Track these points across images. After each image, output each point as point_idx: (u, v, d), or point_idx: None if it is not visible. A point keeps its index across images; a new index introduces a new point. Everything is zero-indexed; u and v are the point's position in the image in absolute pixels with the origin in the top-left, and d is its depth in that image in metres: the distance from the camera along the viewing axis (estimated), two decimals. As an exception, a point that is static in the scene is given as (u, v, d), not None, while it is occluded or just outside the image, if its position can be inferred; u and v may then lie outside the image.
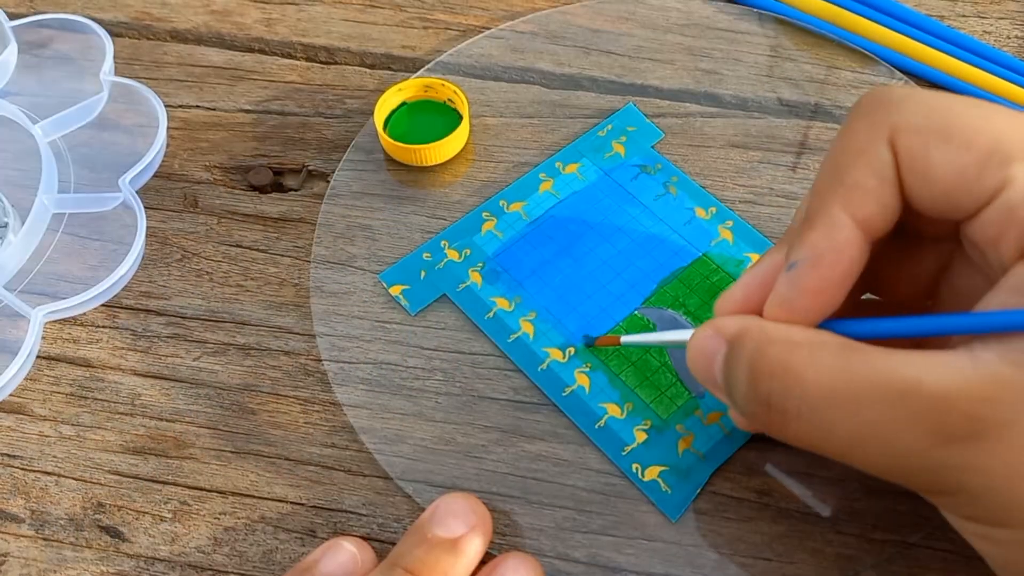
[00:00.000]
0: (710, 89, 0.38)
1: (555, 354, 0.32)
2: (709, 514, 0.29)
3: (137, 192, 0.36)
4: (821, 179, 0.25)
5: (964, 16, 0.40)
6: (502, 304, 0.33)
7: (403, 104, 0.37)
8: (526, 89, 0.38)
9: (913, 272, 0.28)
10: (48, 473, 0.31)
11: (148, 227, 0.36)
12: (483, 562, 0.28)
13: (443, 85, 0.37)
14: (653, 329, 0.32)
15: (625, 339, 0.31)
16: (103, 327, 0.34)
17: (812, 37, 0.39)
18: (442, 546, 0.27)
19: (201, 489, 0.31)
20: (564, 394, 0.31)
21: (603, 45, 0.39)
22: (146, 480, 0.31)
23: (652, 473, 0.30)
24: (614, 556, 0.29)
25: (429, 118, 0.37)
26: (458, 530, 0.28)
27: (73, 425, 0.32)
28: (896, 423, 0.22)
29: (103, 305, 0.34)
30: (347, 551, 0.28)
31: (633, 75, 0.38)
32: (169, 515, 0.30)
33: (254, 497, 0.30)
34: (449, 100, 0.37)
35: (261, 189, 0.37)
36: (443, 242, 0.34)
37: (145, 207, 0.35)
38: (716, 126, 0.37)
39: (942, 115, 0.24)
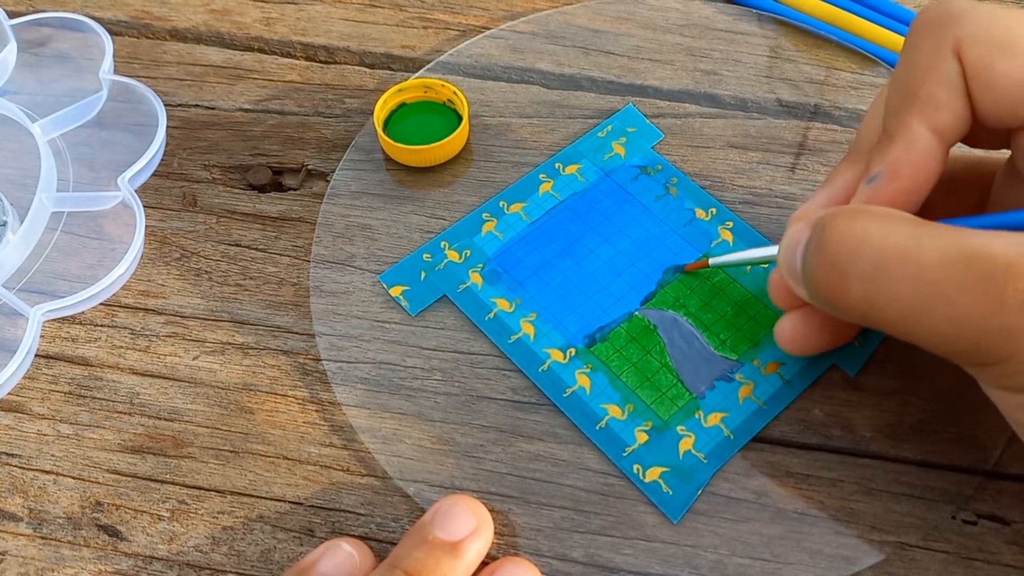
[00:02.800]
0: (709, 90, 0.38)
1: (556, 355, 0.32)
2: (707, 514, 0.29)
3: (136, 191, 0.36)
4: (893, 97, 0.27)
5: (963, 17, 0.40)
6: (502, 305, 0.33)
7: (403, 105, 0.37)
8: (525, 89, 0.38)
9: (960, 192, 0.29)
10: (46, 472, 0.31)
11: (147, 226, 0.36)
12: (484, 563, 0.28)
13: (443, 86, 0.37)
14: (654, 330, 0.32)
15: (713, 260, 0.32)
16: (102, 326, 0.34)
17: (812, 38, 0.39)
18: (442, 548, 0.27)
19: (199, 488, 0.31)
20: (565, 395, 0.31)
21: (603, 45, 0.39)
22: (144, 479, 0.31)
23: (653, 474, 0.30)
24: (612, 556, 0.29)
25: (429, 119, 0.37)
26: (459, 533, 0.28)
27: (71, 424, 0.32)
28: (962, 285, 0.23)
29: (102, 304, 0.34)
30: (345, 552, 0.28)
31: (632, 75, 0.38)
32: (167, 514, 0.30)
33: (252, 496, 0.30)
34: (449, 101, 0.37)
35: (260, 188, 0.37)
36: (443, 243, 0.34)
37: (144, 206, 0.35)
38: (715, 127, 0.37)
39: (1004, 27, 0.25)
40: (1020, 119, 0.25)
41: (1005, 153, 0.28)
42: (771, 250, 0.30)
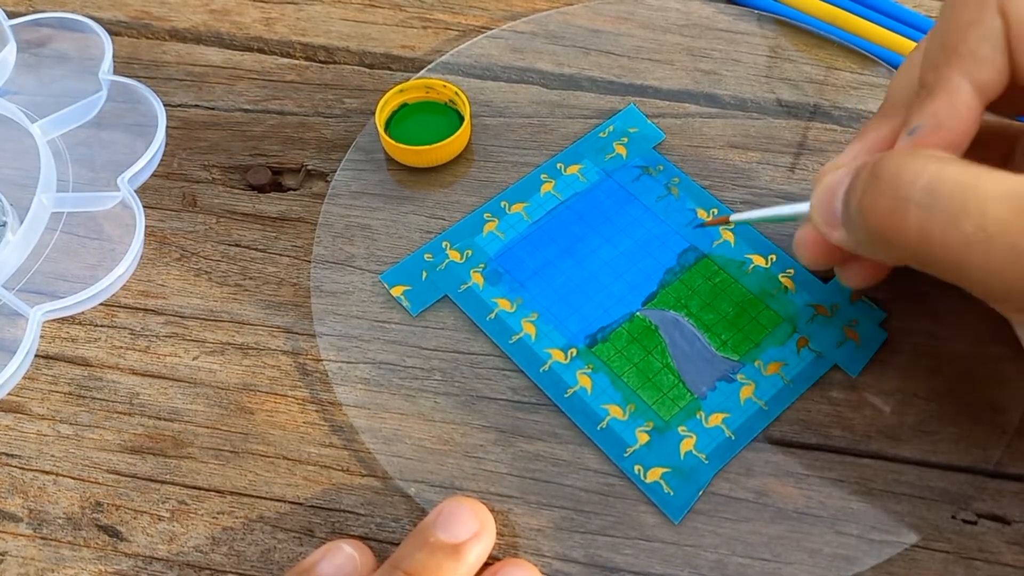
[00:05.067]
0: (709, 90, 0.38)
1: (557, 355, 0.32)
2: (708, 514, 0.29)
3: (136, 191, 0.36)
4: (933, 52, 0.27)
5: (963, 17, 0.40)
6: (504, 305, 0.33)
7: (404, 105, 0.37)
8: (525, 89, 0.38)
9: (982, 158, 0.29)
10: (46, 472, 0.31)
11: (147, 226, 0.36)
12: (486, 565, 0.28)
13: (444, 86, 0.37)
14: (656, 330, 0.32)
15: (735, 216, 0.31)
16: (101, 326, 0.34)
17: (811, 38, 0.39)
18: (444, 550, 0.27)
19: (199, 488, 0.31)
20: (566, 395, 0.31)
21: (602, 45, 0.39)
22: (144, 479, 0.31)
23: (654, 475, 0.30)
24: (612, 556, 0.29)
25: (430, 119, 0.37)
26: (461, 535, 0.27)
27: (71, 424, 0.32)
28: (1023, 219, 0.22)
29: (101, 304, 0.34)
30: (346, 553, 0.28)
31: (632, 75, 0.38)
32: (167, 514, 0.30)
33: (252, 497, 0.30)
34: (450, 101, 0.37)
35: (260, 188, 0.36)
36: (444, 243, 0.34)
37: (144, 206, 0.35)
38: (715, 127, 0.37)
39: None
40: None
41: None
42: (799, 206, 0.29)
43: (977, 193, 0.23)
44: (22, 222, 0.34)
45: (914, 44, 0.38)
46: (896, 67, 0.38)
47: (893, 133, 0.28)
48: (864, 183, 0.25)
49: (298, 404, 0.32)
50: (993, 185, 0.23)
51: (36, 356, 0.33)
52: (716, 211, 0.35)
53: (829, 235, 0.27)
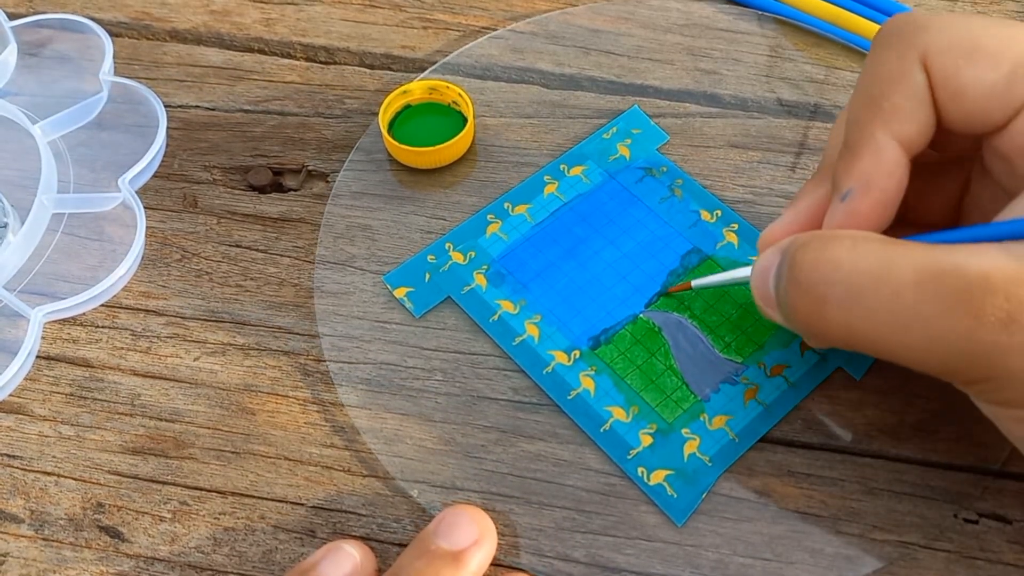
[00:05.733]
0: (710, 89, 0.38)
1: (560, 357, 0.32)
2: (709, 514, 0.29)
3: (136, 192, 0.36)
4: (856, 110, 0.26)
5: (964, 17, 0.40)
6: (507, 307, 0.33)
7: (407, 106, 0.37)
8: (525, 89, 0.38)
9: (936, 195, 0.29)
10: (48, 473, 0.31)
11: (147, 227, 0.36)
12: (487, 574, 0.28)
13: (448, 88, 0.37)
14: (659, 332, 0.32)
15: (696, 283, 0.32)
16: (103, 327, 0.34)
17: (812, 37, 0.39)
18: (444, 558, 0.27)
19: (201, 489, 0.31)
20: (569, 397, 0.31)
21: (603, 45, 0.39)
22: (146, 480, 0.31)
23: (658, 477, 0.30)
24: (614, 556, 0.29)
25: (433, 120, 0.37)
26: (462, 542, 0.27)
27: (73, 425, 0.32)
28: (938, 304, 0.22)
29: (103, 305, 0.34)
30: (347, 554, 0.28)
31: (633, 75, 0.38)
32: (169, 515, 0.30)
33: (254, 497, 0.30)
34: (454, 103, 0.37)
35: (260, 189, 0.36)
36: (448, 244, 0.34)
37: (144, 207, 0.35)
38: (716, 126, 0.37)
39: (969, 35, 0.25)
40: (989, 124, 0.25)
41: None
42: (749, 271, 0.29)
43: (890, 283, 0.23)
44: (23, 223, 0.34)
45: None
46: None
47: (826, 198, 0.27)
48: (786, 280, 0.25)
49: (299, 405, 0.32)
50: (907, 271, 0.23)
51: (37, 357, 0.33)
52: (720, 212, 0.35)
53: (770, 315, 0.27)
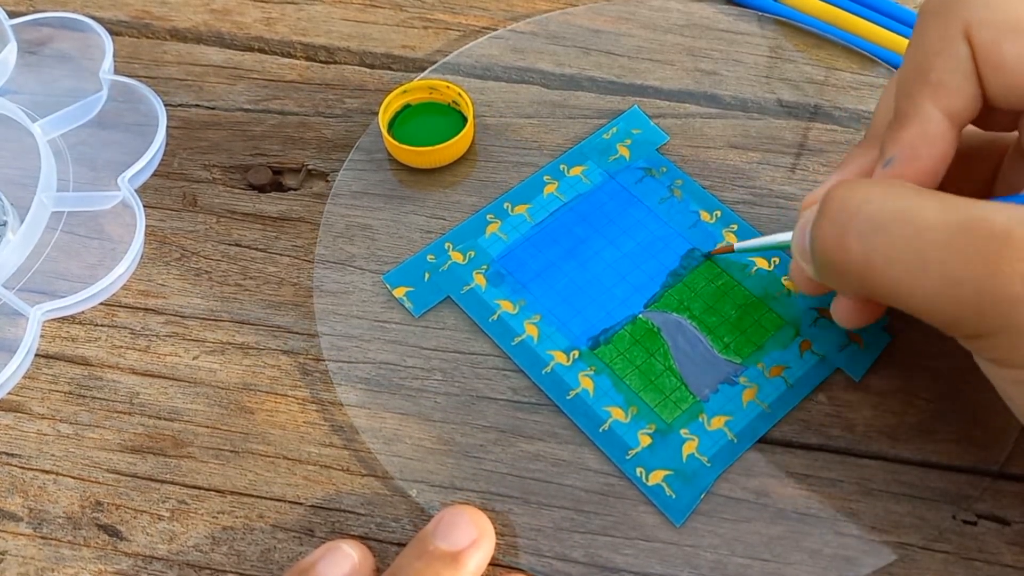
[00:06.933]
0: (710, 90, 0.38)
1: (559, 357, 0.32)
2: (708, 514, 0.29)
3: (136, 191, 0.36)
4: (905, 79, 0.27)
5: (964, 18, 0.40)
6: (506, 307, 0.33)
7: (407, 106, 0.37)
8: (526, 89, 0.38)
9: (971, 170, 0.29)
10: (46, 472, 0.31)
11: (147, 226, 0.36)
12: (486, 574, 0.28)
13: (448, 87, 0.37)
14: (658, 332, 0.32)
15: (739, 245, 0.32)
16: (102, 326, 0.34)
17: (812, 38, 0.39)
18: (442, 559, 0.27)
19: (199, 488, 0.31)
20: (568, 397, 0.31)
21: (603, 45, 0.39)
22: (144, 479, 0.31)
23: (656, 477, 0.30)
24: (612, 556, 0.29)
25: (433, 120, 0.37)
26: (460, 543, 0.27)
27: (71, 424, 0.32)
28: (959, 249, 0.23)
29: (102, 304, 0.34)
30: (345, 553, 0.28)
31: (633, 76, 0.38)
32: (167, 514, 0.30)
33: (252, 496, 0.30)
34: (454, 103, 0.37)
35: (260, 188, 0.36)
36: (447, 244, 0.34)
37: (144, 206, 0.35)
38: (716, 127, 0.37)
39: (1013, 9, 0.25)
40: None
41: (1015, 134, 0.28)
42: (791, 235, 0.29)
43: (915, 222, 0.23)
44: (22, 221, 0.34)
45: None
46: (896, 67, 0.38)
47: (873, 164, 0.28)
48: (816, 215, 0.26)
49: (298, 404, 0.32)
50: (933, 214, 0.23)
51: (36, 355, 0.33)
52: (719, 212, 0.35)
53: (806, 269, 0.28)
